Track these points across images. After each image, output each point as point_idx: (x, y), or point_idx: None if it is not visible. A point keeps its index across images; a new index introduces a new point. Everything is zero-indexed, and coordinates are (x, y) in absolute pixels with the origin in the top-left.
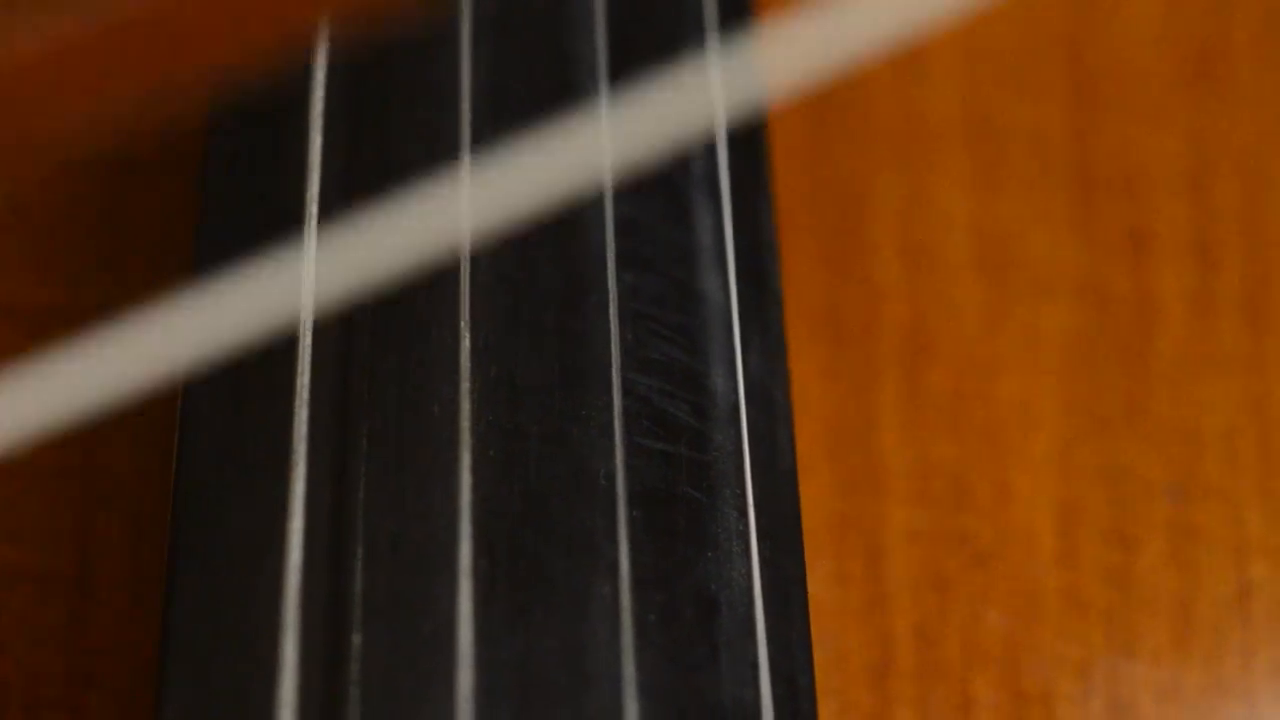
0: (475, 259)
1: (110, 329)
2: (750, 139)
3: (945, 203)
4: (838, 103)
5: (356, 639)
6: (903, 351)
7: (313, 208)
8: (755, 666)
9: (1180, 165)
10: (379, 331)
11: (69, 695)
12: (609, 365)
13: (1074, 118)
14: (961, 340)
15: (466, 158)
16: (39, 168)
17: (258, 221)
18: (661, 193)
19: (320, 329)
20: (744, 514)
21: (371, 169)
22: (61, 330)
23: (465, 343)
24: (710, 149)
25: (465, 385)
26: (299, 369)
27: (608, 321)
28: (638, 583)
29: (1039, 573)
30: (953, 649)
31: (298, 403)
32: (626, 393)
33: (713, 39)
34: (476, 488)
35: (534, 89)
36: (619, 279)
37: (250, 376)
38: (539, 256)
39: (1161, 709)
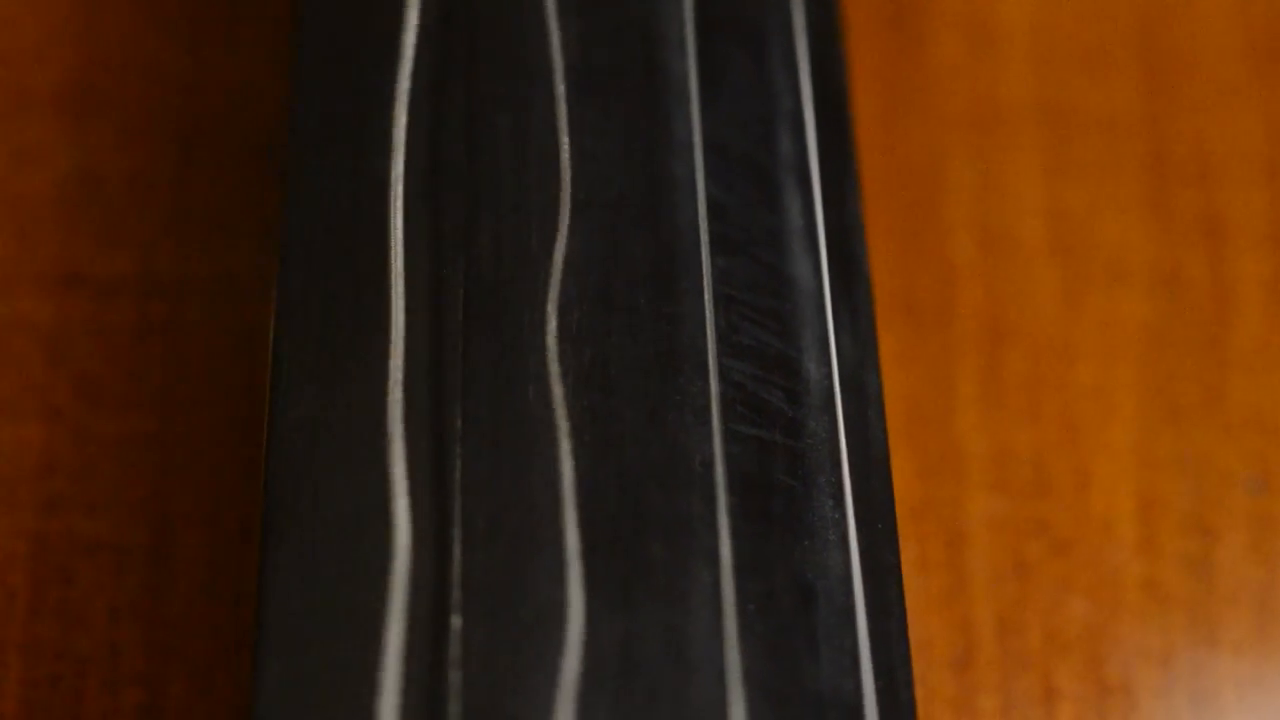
0: (566, 239)
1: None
2: (836, 119)
3: (1019, 187)
4: (911, 87)
5: (456, 622)
6: (980, 336)
7: (398, 187)
8: (855, 657)
9: (1256, 151)
10: (470, 311)
11: (148, 669)
12: (704, 350)
13: (1147, 103)
14: (1038, 325)
15: (564, 138)
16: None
17: (346, 197)
18: (750, 175)
19: (411, 307)
20: (840, 502)
21: (458, 147)
22: (132, 300)
23: (552, 324)
24: (798, 130)
25: (560, 368)
26: (392, 347)
27: (702, 305)
28: (738, 570)
29: (1120, 561)
30: (1034, 637)
31: (391, 383)
32: (721, 378)
33: (799, 16)
34: (574, 472)
35: (621, 68)
36: (711, 263)
37: (342, 353)
38: (629, 239)
39: (1243, 700)
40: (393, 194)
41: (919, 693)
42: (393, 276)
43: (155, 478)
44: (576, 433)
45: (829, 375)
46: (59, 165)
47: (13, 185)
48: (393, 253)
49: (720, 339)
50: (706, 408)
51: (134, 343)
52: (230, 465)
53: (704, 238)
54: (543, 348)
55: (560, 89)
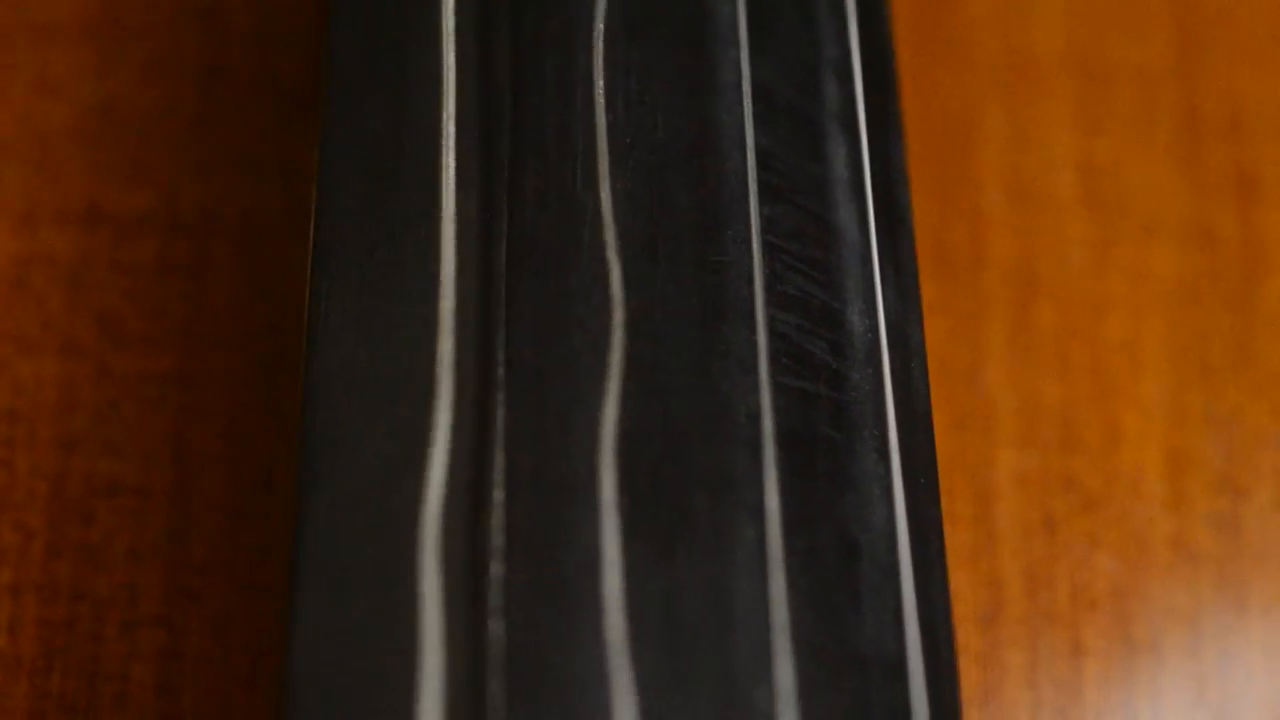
0: (610, 185)
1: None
2: (881, 68)
3: (1051, 139)
4: (943, 36)
5: (496, 570)
6: (1010, 287)
7: (449, 127)
8: (898, 613)
9: None
10: (514, 257)
11: (167, 612)
12: (750, 300)
13: (1179, 56)
14: (1069, 278)
15: (609, 81)
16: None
17: (391, 137)
18: (795, 122)
19: (461, 252)
20: (884, 456)
21: (504, 89)
22: (155, 236)
23: (604, 272)
24: (845, 78)
25: (605, 316)
26: (441, 292)
27: (748, 255)
28: (782, 525)
29: (1148, 518)
30: (1062, 594)
31: (442, 329)
32: (767, 329)
33: None
34: (618, 421)
35: (668, 10)
36: (757, 211)
37: (385, 296)
38: (674, 185)
39: (1271, 660)
40: (444, 134)
41: None
42: (443, 221)
43: (177, 418)
44: (622, 382)
45: (873, 327)
46: (82, 98)
47: (35, 118)
48: (444, 196)
49: (765, 289)
50: (752, 358)
51: (156, 280)
52: (253, 407)
53: (751, 186)
54: (587, 295)
55: (605, 31)
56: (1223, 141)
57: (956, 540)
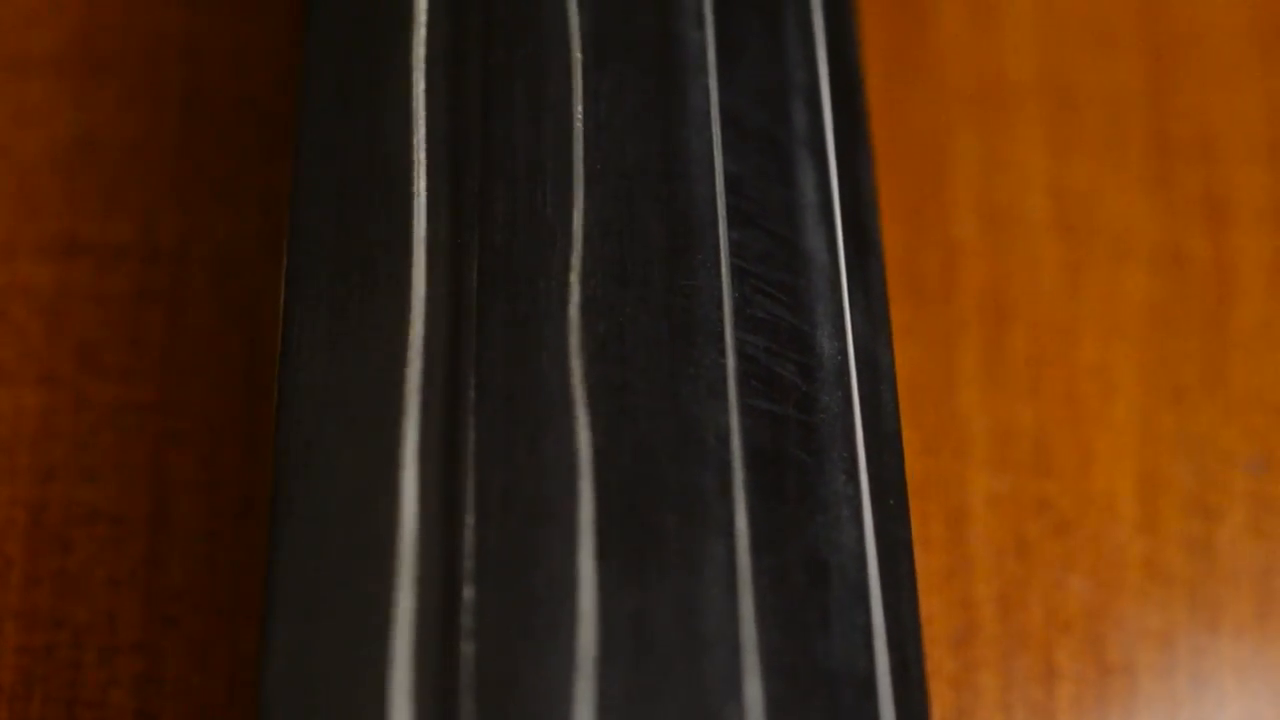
0: (581, 209)
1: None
2: (850, 94)
3: (1023, 164)
4: (914, 61)
5: (468, 592)
6: (982, 312)
7: (420, 154)
8: (868, 632)
9: (1258, 130)
10: (485, 280)
11: (146, 639)
12: (719, 323)
13: (1151, 80)
14: (1041, 302)
15: (579, 107)
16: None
17: (362, 163)
18: (764, 148)
19: (432, 276)
20: (853, 478)
21: (474, 115)
22: (133, 266)
23: (567, 295)
24: (814, 104)
25: (575, 339)
26: (411, 316)
27: (717, 279)
28: (752, 545)
29: (1121, 541)
30: (1035, 616)
31: (411, 352)
32: (735, 352)
33: None
34: (588, 444)
35: (638, 37)
36: (725, 235)
37: (357, 320)
38: (644, 210)
39: (1244, 682)
40: (415, 160)
41: None
42: (415, 244)
43: (155, 446)
44: (591, 404)
45: (842, 350)
46: (60, 129)
47: (13, 150)
48: (415, 220)
49: (734, 312)
50: (721, 381)
51: (134, 310)
52: (230, 434)
53: (720, 210)
54: (557, 318)
55: (575, 57)
56: (1193, 164)
57: (930, 563)
